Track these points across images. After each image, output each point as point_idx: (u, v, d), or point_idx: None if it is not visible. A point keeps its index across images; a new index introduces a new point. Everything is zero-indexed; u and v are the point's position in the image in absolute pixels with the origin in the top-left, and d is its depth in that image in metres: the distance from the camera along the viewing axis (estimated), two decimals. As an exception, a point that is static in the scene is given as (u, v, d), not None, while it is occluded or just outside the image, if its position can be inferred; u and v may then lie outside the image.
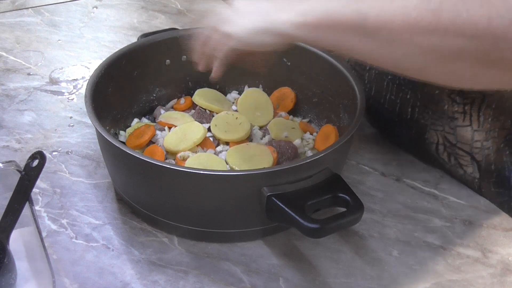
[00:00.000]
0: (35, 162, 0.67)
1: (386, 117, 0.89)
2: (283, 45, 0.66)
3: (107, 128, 0.81)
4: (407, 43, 0.55)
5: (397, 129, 0.89)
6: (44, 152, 0.68)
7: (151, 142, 0.84)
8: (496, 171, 0.81)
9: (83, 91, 0.96)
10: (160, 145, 0.83)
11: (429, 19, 0.52)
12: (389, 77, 0.86)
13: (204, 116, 0.88)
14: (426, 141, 0.85)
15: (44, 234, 0.73)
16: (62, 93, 1.01)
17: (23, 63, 1.09)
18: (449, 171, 0.84)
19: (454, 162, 0.83)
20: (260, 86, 0.94)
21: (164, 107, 0.91)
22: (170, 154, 0.82)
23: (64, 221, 0.76)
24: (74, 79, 1.05)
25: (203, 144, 0.82)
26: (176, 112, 0.90)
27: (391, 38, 0.56)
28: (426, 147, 0.85)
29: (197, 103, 0.90)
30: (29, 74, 1.06)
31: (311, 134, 0.88)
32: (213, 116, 0.88)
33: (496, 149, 0.80)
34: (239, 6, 0.69)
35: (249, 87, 0.94)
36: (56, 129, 0.92)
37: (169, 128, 0.86)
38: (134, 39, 0.95)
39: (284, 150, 0.81)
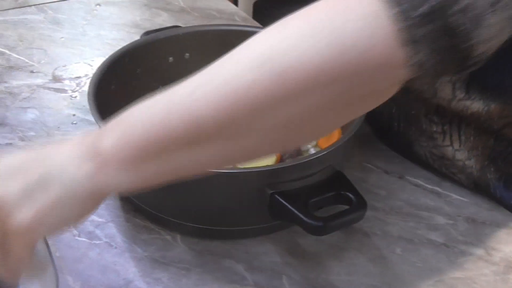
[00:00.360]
0: (38, 160, 0.67)
1: (377, 127, 0.89)
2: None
3: (110, 125, 0.81)
4: (266, 126, 0.45)
5: (389, 139, 0.89)
6: (47, 149, 0.68)
7: (154, 139, 0.84)
8: (480, 188, 0.80)
9: (86, 88, 0.95)
10: (163, 143, 0.83)
11: (289, 80, 0.43)
12: None
13: (207, 113, 0.88)
14: (415, 154, 0.85)
15: (47, 231, 0.73)
16: (65, 91, 1.01)
17: (26, 60, 1.09)
18: (445, 177, 0.84)
19: (447, 171, 0.82)
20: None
21: (167, 105, 0.91)
22: (173, 151, 0.82)
23: (67, 219, 0.76)
24: (77, 77, 1.05)
25: (206, 142, 0.82)
26: (179, 109, 0.89)
27: (241, 131, 0.46)
28: (417, 158, 0.85)
29: (200, 101, 0.90)
30: (32, 71, 1.06)
31: (314, 131, 0.88)
32: (216, 113, 0.88)
33: (480, 167, 0.79)
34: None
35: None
36: (59, 127, 0.92)
37: (172, 125, 0.86)
38: (137, 37, 0.95)
39: (287, 148, 0.81)
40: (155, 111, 0.47)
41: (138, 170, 0.48)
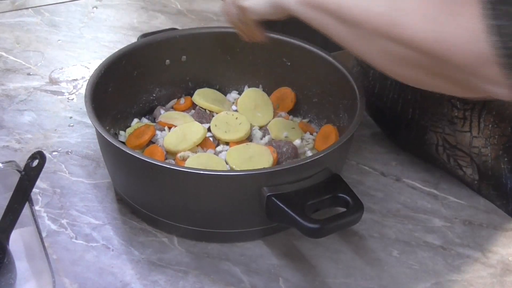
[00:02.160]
0: (35, 162, 0.67)
1: (388, 115, 0.89)
2: (286, 15, 0.69)
3: (107, 128, 0.81)
4: (369, 41, 0.57)
5: (398, 129, 0.89)
6: (44, 152, 0.68)
7: (151, 142, 0.84)
8: (493, 177, 0.81)
9: (83, 91, 0.95)
10: (160, 145, 0.83)
11: (386, 25, 0.54)
12: None
13: (204, 116, 0.88)
14: (426, 142, 0.85)
15: (44, 234, 0.73)
16: (62, 93, 1.01)
17: (23, 63, 1.09)
18: (449, 172, 0.84)
19: (454, 163, 0.83)
20: (260, 86, 0.94)
21: (164, 107, 0.91)
22: (170, 154, 0.82)
23: (64, 221, 0.76)
24: (74, 79, 1.05)
25: (203, 144, 0.82)
26: (176, 112, 0.89)
27: (358, 32, 0.58)
28: (426, 148, 0.85)
29: (197, 103, 0.90)
30: (29, 74, 1.06)
31: (311, 134, 0.88)
32: (213, 116, 0.88)
33: (494, 156, 0.80)
34: None
35: (249, 87, 0.94)
36: (56, 129, 0.92)
37: (169, 128, 0.86)
38: (134, 39, 0.95)
39: (284, 150, 0.81)
40: None
41: (306, 12, 0.64)
